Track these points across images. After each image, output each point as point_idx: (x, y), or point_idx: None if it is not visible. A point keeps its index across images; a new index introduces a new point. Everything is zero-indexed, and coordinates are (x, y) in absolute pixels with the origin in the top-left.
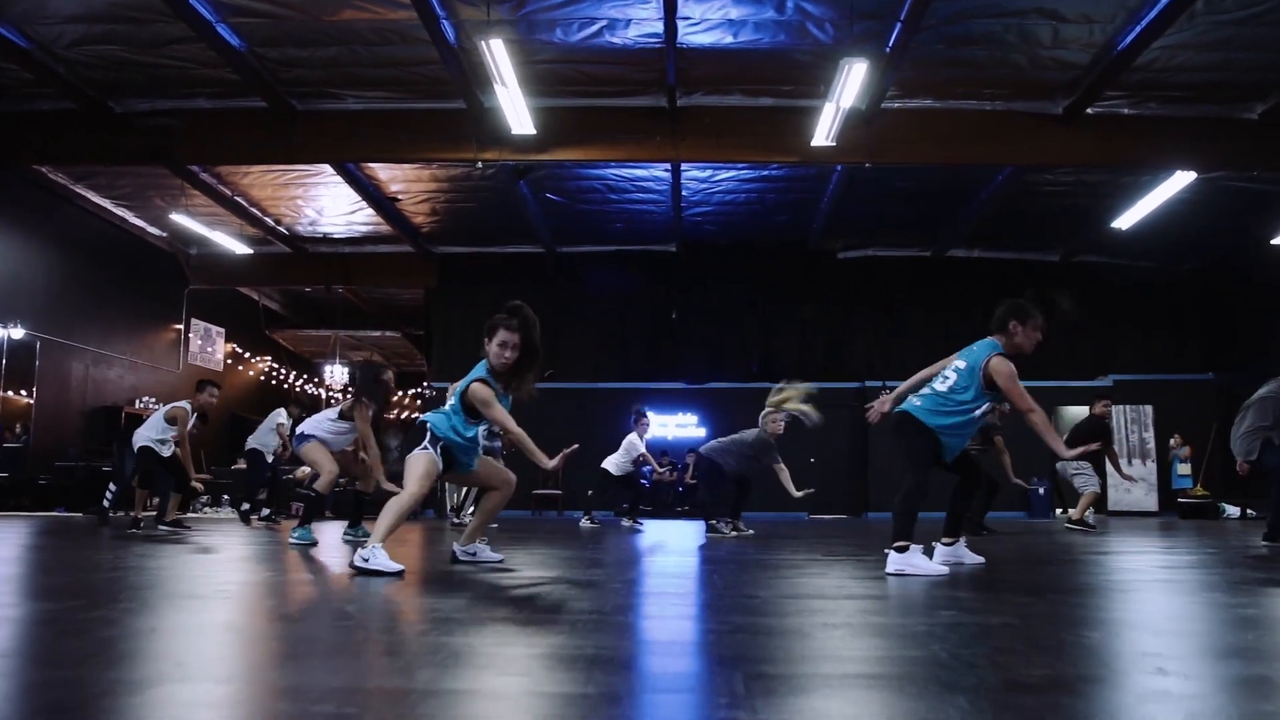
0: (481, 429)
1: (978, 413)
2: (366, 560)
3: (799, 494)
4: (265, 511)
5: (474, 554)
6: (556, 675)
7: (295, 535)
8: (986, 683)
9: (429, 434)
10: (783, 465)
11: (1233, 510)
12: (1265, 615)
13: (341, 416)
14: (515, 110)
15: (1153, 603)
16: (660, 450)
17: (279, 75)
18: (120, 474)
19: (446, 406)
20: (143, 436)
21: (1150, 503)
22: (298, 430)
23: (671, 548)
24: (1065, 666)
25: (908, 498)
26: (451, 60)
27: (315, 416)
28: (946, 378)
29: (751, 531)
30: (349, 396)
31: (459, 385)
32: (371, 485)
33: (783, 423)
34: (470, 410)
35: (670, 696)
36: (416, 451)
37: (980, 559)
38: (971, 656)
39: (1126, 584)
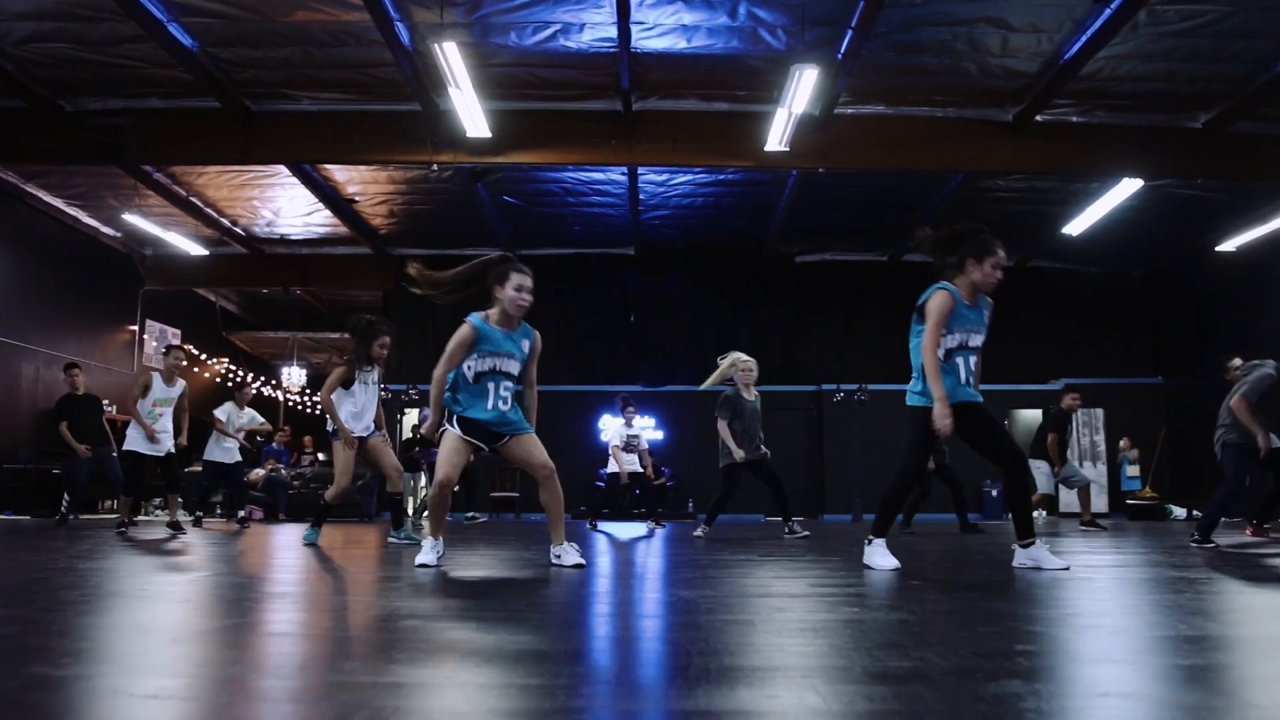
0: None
1: (943, 359)
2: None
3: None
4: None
5: (558, 555)
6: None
7: (305, 535)
8: (851, 672)
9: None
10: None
11: (1179, 512)
12: (1128, 623)
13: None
14: (470, 113)
15: (1054, 599)
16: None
17: (233, 76)
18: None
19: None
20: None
21: (1100, 504)
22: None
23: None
24: (936, 659)
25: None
26: (406, 63)
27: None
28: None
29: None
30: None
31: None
32: (398, 485)
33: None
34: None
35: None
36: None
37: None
38: (851, 649)
39: (1036, 582)
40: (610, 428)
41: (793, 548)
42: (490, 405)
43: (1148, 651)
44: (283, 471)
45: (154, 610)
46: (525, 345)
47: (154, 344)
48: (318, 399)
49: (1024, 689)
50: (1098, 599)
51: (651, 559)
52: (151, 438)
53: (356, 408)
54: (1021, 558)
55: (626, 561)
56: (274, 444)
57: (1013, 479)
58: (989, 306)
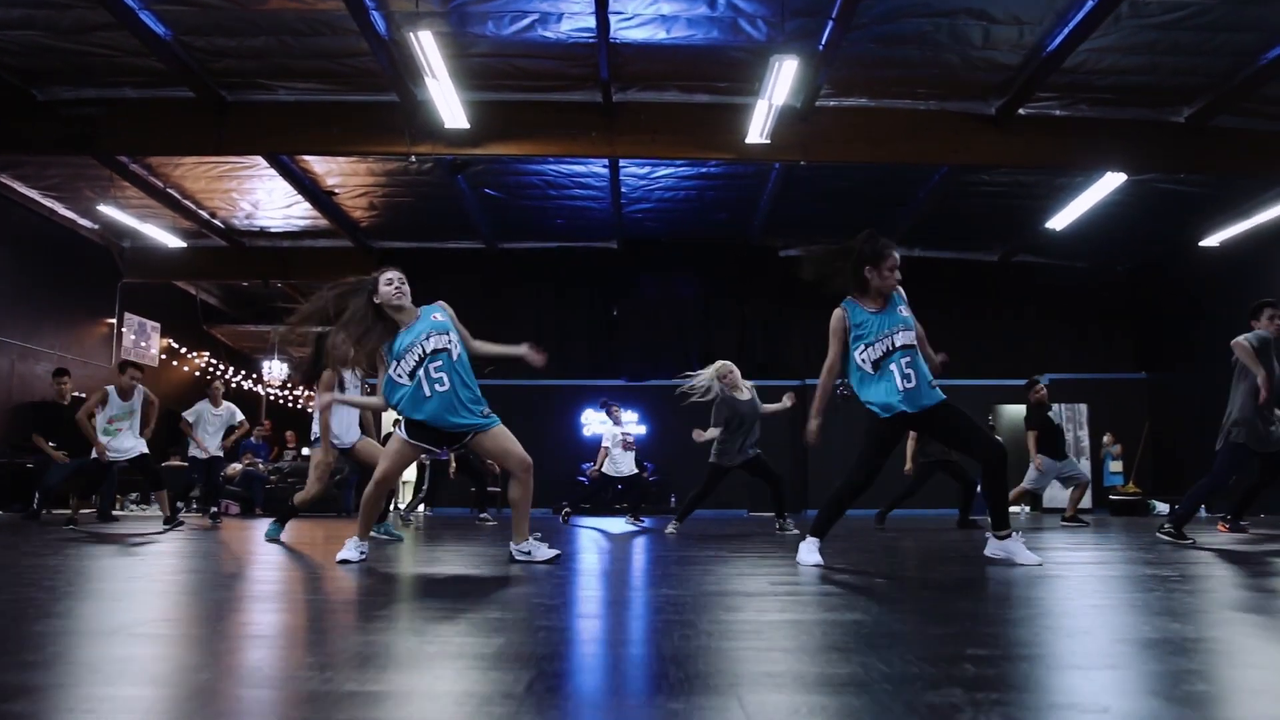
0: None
1: (865, 364)
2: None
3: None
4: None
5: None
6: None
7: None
8: (784, 679)
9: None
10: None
11: (1163, 507)
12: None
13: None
14: (447, 104)
15: (1020, 598)
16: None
17: (207, 65)
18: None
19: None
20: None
21: (1084, 500)
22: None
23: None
24: (880, 664)
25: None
26: (382, 52)
27: None
28: None
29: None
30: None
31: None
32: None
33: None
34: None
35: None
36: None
37: (1036, 558)
38: (792, 653)
39: (1005, 580)
40: (605, 432)
41: (763, 544)
42: (428, 393)
43: (1108, 656)
44: (260, 466)
45: (80, 608)
46: (437, 315)
47: (132, 337)
48: (300, 394)
49: (964, 699)
50: (1066, 598)
51: (618, 556)
52: (101, 455)
53: (345, 419)
54: (995, 548)
55: (589, 558)
56: (252, 438)
57: (990, 469)
58: (904, 301)
